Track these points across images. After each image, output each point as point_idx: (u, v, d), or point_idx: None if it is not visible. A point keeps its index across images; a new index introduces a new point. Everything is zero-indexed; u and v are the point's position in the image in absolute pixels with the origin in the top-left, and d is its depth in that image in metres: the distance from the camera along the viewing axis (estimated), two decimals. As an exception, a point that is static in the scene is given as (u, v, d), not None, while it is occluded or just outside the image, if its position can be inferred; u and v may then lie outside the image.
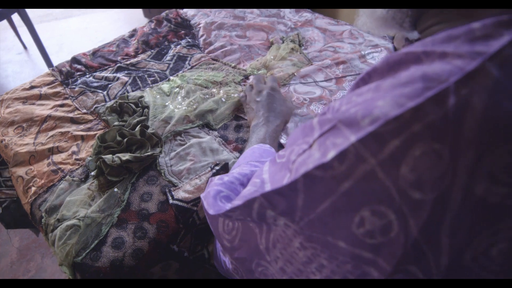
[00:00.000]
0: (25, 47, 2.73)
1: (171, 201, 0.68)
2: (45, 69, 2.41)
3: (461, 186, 0.25)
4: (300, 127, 0.35)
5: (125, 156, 0.71)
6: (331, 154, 0.28)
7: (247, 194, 0.37)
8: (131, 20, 3.14)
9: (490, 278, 0.28)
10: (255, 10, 1.24)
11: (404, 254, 0.27)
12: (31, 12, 3.36)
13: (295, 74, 0.94)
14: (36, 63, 2.58)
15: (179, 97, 0.89)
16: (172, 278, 0.70)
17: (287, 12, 1.22)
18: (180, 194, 0.69)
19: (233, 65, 1.01)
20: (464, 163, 0.24)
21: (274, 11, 1.24)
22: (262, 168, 0.41)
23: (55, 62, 1.53)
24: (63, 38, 2.94)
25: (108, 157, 0.70)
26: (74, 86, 0.99)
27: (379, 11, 0.38)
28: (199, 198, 0.69)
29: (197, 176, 0.72)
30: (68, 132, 0.86)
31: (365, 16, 0.40)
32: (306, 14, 1.21)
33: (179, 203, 0.68)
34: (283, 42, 1.06)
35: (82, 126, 0.88)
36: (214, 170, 0.73)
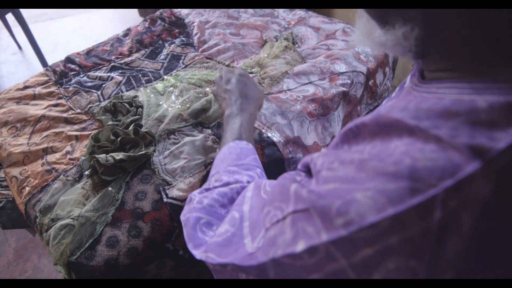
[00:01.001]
0: (20, 47, 2.72)
1: (165, 199, 0.69)
2: (40, 69, 2.40)
3: None
4: (279, 182, 0.33)
5: (119, 155, 0.71)
6: (300, 246, 0.27)
7: (221, 253, 0.36)
8: (126, 19, 3.13)
9: None
10: (249, 10, 1.24)
11: None
12: (25, 12, 3.35)
13: (289, 72, 0.94)
14: (31, 63, 2.57)
15: (173, 96, 0.89)
16: (167, 277, 0.71)
17: (281, 11, 1.22)
18: (174, 192, 0.69)
19: (226, 63, 1.01)
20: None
21: (268, 10, 1.25)
22: (245, 194, 0.41)
23: (50, 62, 1.53)
24: (58, 38, 2.93)
25: (101, 157, 0.70)
26: (68, 86, 0.99)
27: (376, 35, 0.33)
28: (193, 196, 0.70)
29: (191, 174, 0.72)
30: (62, 132, 0.86)
31: (363, 34, 0.35)
32: (300, 12, 1.21)
33: (174, 202, 0.68)
34: (276, 41, 1.06)
35: (76, 126, 0.88)
36: (208, 168, 0.73)
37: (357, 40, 0.36)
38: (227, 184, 0.49)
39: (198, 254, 0.40)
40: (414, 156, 0.23)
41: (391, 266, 0.23)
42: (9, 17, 2.21)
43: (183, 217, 0.48)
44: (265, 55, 0.99)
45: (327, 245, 0.25)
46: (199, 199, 0.48)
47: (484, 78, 0.25)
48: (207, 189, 0.51)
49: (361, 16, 0.35)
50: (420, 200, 0.21)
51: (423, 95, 0.29)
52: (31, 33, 2.18)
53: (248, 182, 0.49)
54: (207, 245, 0.39)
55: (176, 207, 0.68)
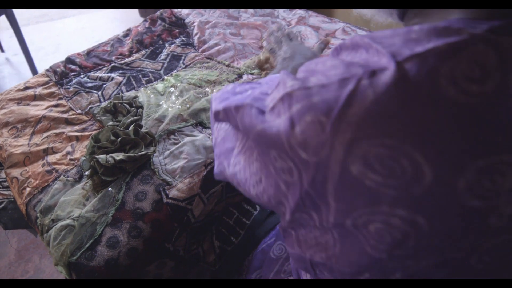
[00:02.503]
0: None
1: (165, 200, 0.69)
2: (38, 72, 2.40)
3: (338, 160, 0.28)
4: (280, 74, 0.39)
5: (119, 156, 0.71)
6: (268, 101, 0.35)
7: (223, 101, 0.45)
8: (127, 19, 3.13)
9: (365, 247, 0.32)
10: (250, 10, 1.24)
11: (301, 199, 0.33)
12: (27, 13, 3.35)
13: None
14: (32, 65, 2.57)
15: (173, 96, 0.89)
16: (167, 277, 0.71)
17: (281, 11, 1.22)
18: (174, 193, 0.69)
19: (227, 63, 1.01)
20: (341, 141, 0.27)
21: (268, 10, 1.24)
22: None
23: (52, 63, 1.53)
24: (60, 38, 2.94)
25: (101, 157, 0.71)
26: (68, 87, 0.99)
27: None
28: (193, 196, 0.70)
29: (191, 175, 0.72)
30: (63, 133, 0.86)
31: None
32: (300, 12, 1.21)
33: (174, 202, 0.68)
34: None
35: (76, 127, 0.88)
36: (208, 169, 0.73)
37: (356, 11, 0.47)
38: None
39: (213, 108, 0.49)
40: (360, 57, 0.30)
41: (308, 119, 0.29)
42: (2, 19, 2.21)
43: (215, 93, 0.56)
44: (265, 58, 0.99)
45: (277, 100, 0.33)
46: (233, 86, 0.54)
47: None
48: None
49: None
50: (343, 76, 0.28)
51: None
52: (22, 36, 2.18)
53: None
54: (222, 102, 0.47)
55: (176, 208, 0.68)
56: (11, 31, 2.86)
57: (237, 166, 0.44)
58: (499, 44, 0.26)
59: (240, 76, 0.96)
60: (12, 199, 0.90)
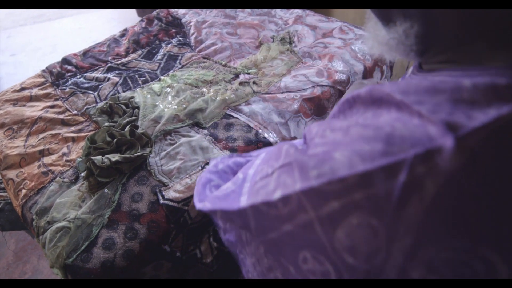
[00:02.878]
0: None
1: (161, 201, 0.68)
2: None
3: (396, 266, 0.23)
4: (277, 145, 0.35)
5: (115, 157, 0.71)
6: (277, 194, 0.28)
7: (216, 200, 0.38)
8: (124, 19, 3.12)
9: None
10: (247, 9, 1.23)
11: None
12: (25, 13, 3.34)
13: (286, 74, 0.93)
14: (30, 65, 2.56)
15: (169, 97, 0.89)
16: (164, 278, 0.70)
17: (278, 10, 1.21)
18: (171, 194, 0.69)
19: (223, 63, 1.01)
20: (400, 248, 0.23)
21: (265, 9, 1.24)
22: (254, 160, 0.42)
23: (49, 63, 1.53)
24: (57, 38, 2.93)
25: (97, 158, 0.70)
26: (64, 87, 0.99)
27: (381, 36, 0.34)
28: (190, 197, 0.69)
29: (187, 176, 0.72)
30: (59, 134, 0.86)
31: (371, 39, 0.37)
32: (297, 11, 1.21)
33: (170, 203, 0.68)
34: (273, 41, 1.06)
35: (73, 128, 0.88)
36: (204, 169, 0.73)
37: (368, 45, 0.38)
38: (246, 156, 0.51)
39: (198, 204, 0.42)
40: (395, 125, 0.24)
41: (354, 222, 0.23)
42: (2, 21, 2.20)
43: (198, 177, 0.50)
44: (262, 58, 0.98)
45: (299, 194, 0.26)
46: (215, 163, 0.50)
47: (476, 65, 0.26)
48: (230, 157, 0.53)
49: (369, 18, 0.36)
50: (389, 161, 0.22)
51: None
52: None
53: None
54: (208, 198, 0.41)
55: (173, 209, 0.68)
56: (8, 31, 2.86)
57: (252, 257, 0.37)
58: None
59: (237, 75, 0.95)
60: (9, 201, 0.90)
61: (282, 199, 0.27)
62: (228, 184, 0.39)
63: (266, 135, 0.77)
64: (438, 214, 0.21)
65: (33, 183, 0.75)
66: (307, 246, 0.27)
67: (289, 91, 0.87)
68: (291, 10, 1.22)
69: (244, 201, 0.33)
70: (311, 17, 1.17)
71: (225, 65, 1.00)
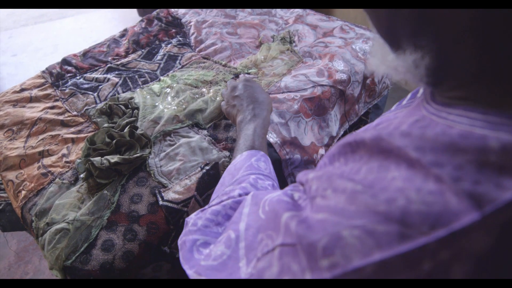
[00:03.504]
0: None
1: (161, 202, 0.68)
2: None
3: None
4: (276, 207, 0.32)
5: (114, 158, 0.70)
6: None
7: (216, 264, 0.36)
8: (125, 19, 3.12)
9: None
10: (247, 9, 1.23)
11: None
12: (26, 13, 3.35)
13: (286, 74, 0.93)
14: (31, 65, 2.57)
15: (169, 97, 0.89)
16: (164, 279, 0.70)
17: (278, 9, 1.21)
18: (170, 195, 0.69)
19: (223, 63, 1.00)
20: None
21: (265, 9, 1.24)
22: (241, 210, 0.40)
23: (50, 63, 1.52)
24: (58, 38, 2.94)
25: (96, 160, 0.70)
26: (64, 88, 0.99)
27: (389, 60, 0.31)
28: (189, 198, 0.69)
29: (186, 177, 0.71)
30: (59, 135, 0.85)
31: (378, 58, 0.33)
32: (298, 10, 1.20)
33: (169, 204, 0.68)
34: (273, 41, 1.05)
35: (72, 129, 0.87)
36: (204, 170, 0.72)
37: (373, 64, 0.34)
38: (219, 202, 0.49)
39: (191, 273, 0.40)
40: (409, 196, 0.21)
41: None
42: (3, 22, 2.20)
43: (179, 241, 0.48)
44: (262, 57, 0.98)
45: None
46: (193, 221, 0.48)
47: (501, 112, 0.23)
48: (202, 210, 0.50)
49: (377, 39, 0.33)
50: (409, 248, 0.20)
51: (432, 117, 0.27)
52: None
53: (240, 195, 0.48)
54: (201, 268, 0.38)
55: (172, 210, 0.67)
56: (10, 31, 2.87)
57: None
58: None
59: (236, 75, 0.95)
60: (10, 201, 0.90)
61: None
62: (220, 248, 0.37)
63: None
64: None
65: (32, 185, 0.75)
66: None
67: (290, 91, 0.87)
68: (292, 10, 1.21)
69: (243, 269, 0.31)
70: (312, 16, 1.16)
71: (225, 65, 0.99)
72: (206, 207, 0.50)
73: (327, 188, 0.27)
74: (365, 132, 0.27)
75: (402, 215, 0.21)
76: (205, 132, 0.80)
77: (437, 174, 0.20)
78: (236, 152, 0.61)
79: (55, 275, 0.64)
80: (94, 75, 1.02)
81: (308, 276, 0.24)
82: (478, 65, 0.24)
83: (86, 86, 0.99)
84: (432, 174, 0.21)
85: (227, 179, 0.55)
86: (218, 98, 0.86)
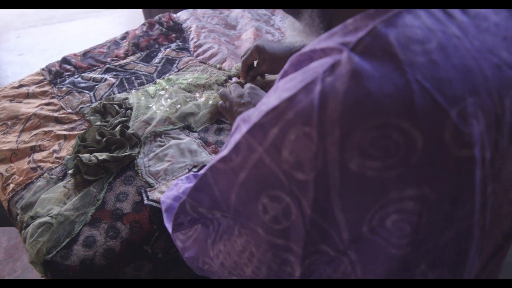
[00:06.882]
0: None
1: (145, 201, 0.68)
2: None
3: (335, 162, 0.27)
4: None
5: (102, 156, 0.71)
6: (229, 147, 0.32)
7: (179, 194, 0.40)
8: (133, 24, 3.16)
9: (389, 250, 0.30)
10: (247, 14, 1.24)
11: (308, 234, 0.30)
12: (35, 14, 3.40)
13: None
14: (36, 65, 2.60)
15: (163, 99, 0.90)
16: (145, 278, 0.70)
17: (277, 20, 1.22)
18: (156, 195, 0.69)
19: (218, 66, 1.01)
20: (332, 141, 0.26)
21: (265, 17, 1.25)
22: None
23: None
24: (65, 40, 2.98)
25: (85, 156, 0.71)
26: (61, 86, 1.00)
27: (297, 25, 0.41)
28: (174, 199, 0.69)
29: (173, 178, 0.72)
30: (52, 131, 0.86)
31: (291, 30, 0.44)
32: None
33: (154, 204, 0.68)
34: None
35: (66, 126, 0.88)
36: (191, 172, 0.73)
37: (290, 37, 0.47)
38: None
39: (170, 226, 0.46)
40: (310, 65, 0.30)
41: (292, 137, 0.27)
42: (13, 22, 2.24)
43: (165, 200, 0.52)
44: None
45: (246, 136, 0.30)
46: (184, 190, 0.51)
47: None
48: (195, 175, 0.53)
49: (286, 17, 0.44)
50: (306, 82, 0.28)
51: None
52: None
53: None
54: (170, 196, 0.47)
55: (156, 210, 0.68)
56: (18, 31, 2.91)
57: (220, 255, 0.40)
58: None
59: (230, 78, 0.96)
60: None
61: (234, 148, 0.31)
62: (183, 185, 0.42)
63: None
64: (351, 104, 0.26)
65: (21, 178, 0.76)
66: (263, 189, 0.30)
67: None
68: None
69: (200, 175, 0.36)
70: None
71: (219, 68, 1.00)
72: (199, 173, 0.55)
73: (264, 98, 0.34)
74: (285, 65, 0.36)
75: (303, 71, 0.30)
76: (195, 134, 0.81)
77: (321, 47, 0.31)
78: None
79: (35, 268, 0.64)
80: (92, 74, 1.03)
81: (244, 129, 0.30)
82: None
83: (83, 85, 1.00)
84: (319, 49, 0.31)
85: None
86: (210, 102, 0.87)
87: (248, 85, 0.78)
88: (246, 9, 1.27)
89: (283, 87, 0.30)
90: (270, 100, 0.30)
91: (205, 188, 0.35)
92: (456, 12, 0.29)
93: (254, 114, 0.30)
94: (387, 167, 0.26)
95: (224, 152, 0.33)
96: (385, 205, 0.28)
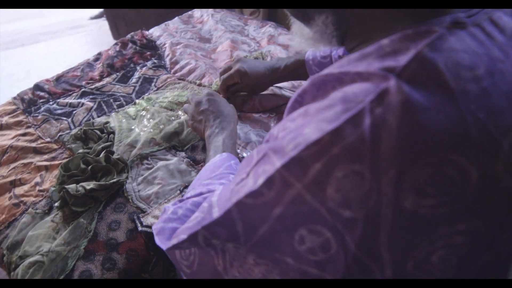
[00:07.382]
0: None
1: (140, 228, 0.67)
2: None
3: (389, 202, 0.25)
4: (247, 156, 0.36)
5: (90, 185, 0.69)
6: (260, 181, 0.29)
7: (191, 225, 0.37)
8: (100, 43, 3.11)
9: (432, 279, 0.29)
10: (220, 26, 1.24)
11: (347, 268, 0.28)
12: (-4, 39, 3.28)
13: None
14: (3, 91, 2.50)
15: (145, 120, 0.88)
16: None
17: (251, 30, 1.23)
18: (149, 220, 0.68)
19: (197, 82, 1.01)
20: (387, 181, 0.25)
21: (239, 28, 1.26)
22: (214, 191, 0.42)
23: (23, 89, 1.47)
24: (31, 64, 2.88)
25: (71, 187, 0.68)
26: (37, 114, 0.97)
27: (307, 31, 0.40)
28: (168, 222, 0.68)
29: (166, 200, 0.70)
30: (31, 163, 0.83)
31: (298, 36, 0.42)
32: (270, 29, 1.23)
33: (149, 230, 0.66)
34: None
35: (46, 156, 0.85)
36: (183, 193, 0.72)
37: (297, 44, 0.43)
38: (200, 194, 0.50)
39: (168, 243, 0.41)
40: (345, 90, 0.28)
41: (340, 175, 0.26)
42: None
43: (156, 225, 0.48)
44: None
45: (281, 171, 0.28)
46: (173, 210, 0.48)
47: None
48: (181, 200, 0.51)
49: (293, 22, 0.42)
50: (352, 114, 0.25)
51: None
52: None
53: None
54: (179, 230, 0.40)
55: (152, 236, 0.66)
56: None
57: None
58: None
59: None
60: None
61: (266, 183, 0.28)
62: (195, 214, 0.39)
63: (245, 154, 0.77)
64: (407, 139, 0.24)
65: (3, 216, 0.72)
66: (302, 223, 0.28)
67: (265, 109, 0.88)
68: (264, 29, 1.24)
69: (222, 210, 0.33)
70: (284, 36, 1.19)
71: (199, 84, 1.00)
72: (185, 197, 0.51)
73: (285, 123, 0.32)
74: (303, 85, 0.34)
75: (342, 98, 0.27)
76: (183, 154, 0.80)
77: (356, 71, 0.28)
78: (208, 159, 0.62)
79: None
80: (68, 100, 1.00)
81: (278, 163, 0.28)
82: (361, 14, 0.34)
83: (59, 111, 0.97)
84: (353, 73, 0.29)
85: (205, 174, 0.57)
86: None
87: (205, 90, 0.77)
88: (219, 22, 1.28)
89: (321, 117, 0.27)
90: (307, 131, 0.27)
91: (227, 223, 0.33)
92: (495, 32, 0.28)
93: (288, 146, 0.28)
94: (441, 204, 0.25)
95: (251, 186, 0.30)
96: (433, 241, 0.27)
